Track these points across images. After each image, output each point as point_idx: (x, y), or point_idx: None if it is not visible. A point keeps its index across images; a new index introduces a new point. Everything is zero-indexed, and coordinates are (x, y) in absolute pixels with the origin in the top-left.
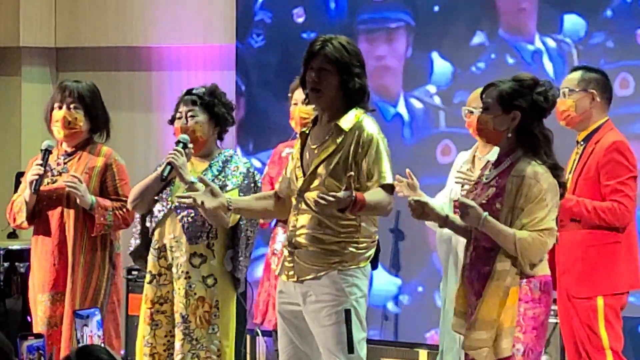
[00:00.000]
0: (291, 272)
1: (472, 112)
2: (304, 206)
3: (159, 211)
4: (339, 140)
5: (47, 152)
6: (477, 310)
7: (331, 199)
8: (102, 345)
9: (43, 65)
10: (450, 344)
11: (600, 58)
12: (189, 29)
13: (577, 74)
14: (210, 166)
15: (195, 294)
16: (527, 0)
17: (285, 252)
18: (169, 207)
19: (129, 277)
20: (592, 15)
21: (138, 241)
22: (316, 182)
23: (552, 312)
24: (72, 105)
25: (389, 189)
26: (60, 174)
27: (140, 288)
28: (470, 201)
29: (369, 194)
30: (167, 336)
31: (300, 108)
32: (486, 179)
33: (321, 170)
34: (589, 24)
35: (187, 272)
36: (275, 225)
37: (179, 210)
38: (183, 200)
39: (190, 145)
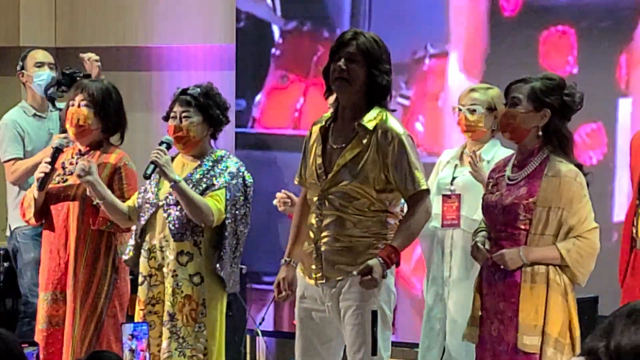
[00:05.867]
0: (318, 274)
1: (460, 110)
2: (327, 206)
3: (147, 210)
4: (364, 141)
5: (57, 150)
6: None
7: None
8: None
9: None
10: (432, 343)
11: None
12: (189, 29)
13: None
14: (199, 165)
15: (182, 292)
16: None
17: (310, 253)
18: (156, 204)
19: (129, 278)
20: None
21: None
22: (341, 184)
23: None
24: (82, 103)
25: (425, 193)
26: (71, 173)
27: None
28: (500, 253)
29: (397, 233)
30: (160, 336)
31: None
32: (510, 179)
33: (346, 172)
34: None
35: (174, 270)
36: None
37: (165, 207)
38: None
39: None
